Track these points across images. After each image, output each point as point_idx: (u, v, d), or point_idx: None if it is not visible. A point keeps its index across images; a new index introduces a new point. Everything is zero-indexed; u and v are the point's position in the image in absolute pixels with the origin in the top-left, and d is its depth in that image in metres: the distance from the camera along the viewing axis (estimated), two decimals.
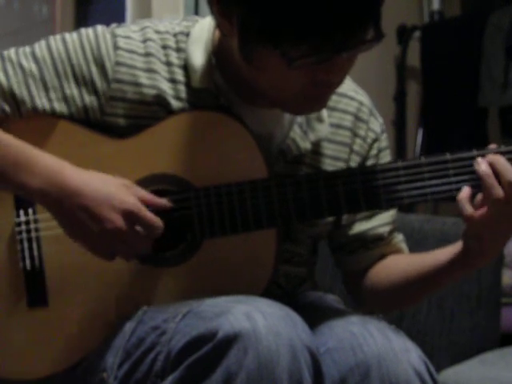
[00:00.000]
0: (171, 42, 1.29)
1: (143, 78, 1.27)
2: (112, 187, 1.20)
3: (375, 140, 1.39)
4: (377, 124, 1.40)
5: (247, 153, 1.26)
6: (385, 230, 1.40)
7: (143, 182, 1.26)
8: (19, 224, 1.29)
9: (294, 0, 1.08)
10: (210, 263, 1.28)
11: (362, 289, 1.41)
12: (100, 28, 1.29)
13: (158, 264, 1.28)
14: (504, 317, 2.00)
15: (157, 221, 1.21)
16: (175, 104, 1.28)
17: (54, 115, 1.28)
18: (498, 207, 1.18)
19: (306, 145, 1.33)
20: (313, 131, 1.34)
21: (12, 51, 1.29)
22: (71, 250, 1.26)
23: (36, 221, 1.29)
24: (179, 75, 1.29)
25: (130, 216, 1.19)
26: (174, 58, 1.29)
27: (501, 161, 1.20)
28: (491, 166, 1.20)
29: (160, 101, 1.28)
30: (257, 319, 1.08)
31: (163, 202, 1.24)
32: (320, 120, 1.34)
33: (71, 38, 1.29)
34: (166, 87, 1.28)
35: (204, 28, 1.30)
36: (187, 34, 1.30)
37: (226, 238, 1.26)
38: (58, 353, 1.29)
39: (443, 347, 1.87)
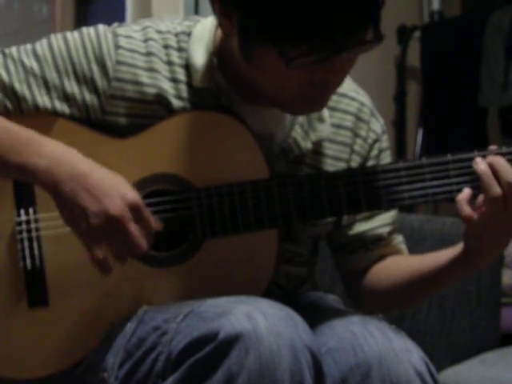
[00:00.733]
0: (172, 42, 1.29)
1: (144, 77, 1.27)
2: (119, 179, 1.20)
3: (376, 140, 1.39)
4: (378, 125, 1.40)
5: (248, 153, 1.26)
6: (384, 230, 1.40)
7: (144, 182, 1.26)
8: (20, 223, 1.29)
9: (296, 0, 1.08)
10: (210, 263, 1.28)
11: (360, 290, 1.41)
12: (101, 27, 1.29)
13: (158, 264, 1.28)
14: (504, 317, 2.00)
15: (157, 221, 1.20)
16: (176, 103, 1.28)
17: (54, 113, 1.28)
18: (496, 207, 1.18)
19: (307, 145, 1.33)
20: (314, 131, 1.34)
21: (13, 49, 1.29)
22: (72, 250, 1.26)
23: (37, 220, 1.29)
24: (180, 74, 1.29)
25: (134, 208, 1.17)
26: (175, 57, 1.29)
27: (500, 161, 1.20)
28: (490, 166, 1.20)
29: (161, 100, 1.28)
30: (258, 320, 1.08)
31: (157, 224, 1.21)
32: (321, 120, 1.34)
33: (72, 36, 1.29)
34: (167, 86, 1.28)
35: (205, 28, 1.30)
36: (189, 34, 1.30)
37: (227, 238, 1.26)
38: (58, 352, 1.29)
39: (443, 347, 1.87)
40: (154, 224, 1.19)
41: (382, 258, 1.41)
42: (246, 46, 1.17)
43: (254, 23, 1.12)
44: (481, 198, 1.20)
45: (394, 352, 1.15)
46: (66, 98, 1.28)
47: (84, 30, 1.29)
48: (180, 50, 1.29)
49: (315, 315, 1.26)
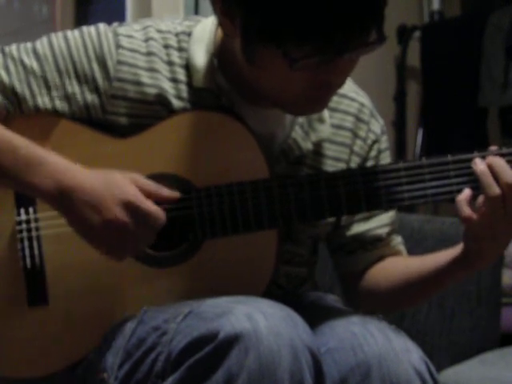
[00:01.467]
0: (173, 42, 1.29)
1: (145, 77, 1.27)
2: (113, 180, 1.19)
3: (375, 141, 1.39)
4: (377, 125, 1.40)
5: (248, 153, 1.26)
6: (383, 231, 1.40)
7: None
8: (20, 223, 1.29)
9: (296, 0, 1.08)
10: (210, 263, 1.28)
11: (358, 291, 1.41)
12: (102, 26, 1.29)
13: (158, 264, 1.28)
14: (504, 317, 2.00)
15: (158, 211, 1.19)
16: (176, 103, 1.28)
17: (55, 113, 1.28)
18: (495, 207, 1.18)
19: (307, 145, 1.33)
20: (314, 132, 1.34)
21: (13, 48, 1.29)
22: (72, 249, 1.26)
23: (36, 220, 1.29)
24: (181, 75, 1.29)
25: (129, 206, 1.17)
26: (175, 57, 1.29)
27: (499, 162, 1.20)
28: (489, 166, 1.20)
29: (161, 100, 1.28)
30: (258, 320, 1.08)
31: (167, 192, 1.22)
32: (321, 121, 1.34)
33: (73, 35, 1.28)
34: (168, 86, 1.28)
35: (206, 28, 1.30)
36: (189, 34, 1.30)
37: (226, 238, 1.26)
38: (58, 352, 1.29)
39: (443, 347, 1.87)
40: (155, 214, 1.19)
41: (380, 258, 1.41)
42: (248, 48, 1.17)
43: (257, 24, 1.12)
44: (480, 198, 1.20)
45: (393, 352, 1.15)
46: (67, 97, 1.28)
47: (84, 28, 1.29)
48: (180, 50, 1.29)
49: (315, 315, 1.26)
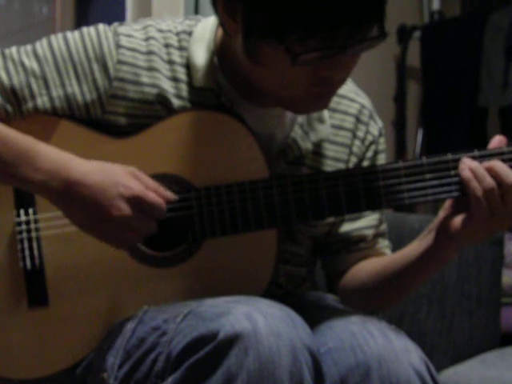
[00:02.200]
0: (173, 41, 1.29)
1: (144, 77, 1.27)
2: (116, 175, 1.20)
3: (372, 142, 1.39)
4: (376, 127, 1.41)
5: (248, 153, 1.26)
6: (369, 232, 1.40)
7: None
8: (19, 224, 1.29)
9: None
10: (210, 263, 1.28)
11: (338, 292, 1.42)
12: (102, 26, 1.29)
13: (158, 264, 1.28)
14: (504, 317, 2.00)
15: (161, 202, 1.20)
16: (176, 103, 1.28)
17: (55, 114, 1.28)
18: (481, 212, 1.19)
19: (306, 145, 1.33)
20: (314, 132, 1.34)
21: (13, 50, 1.29)
22: (71, 250, 1.26)
23: (36, 220, 1.29)
24: (181, 74, 1.29)
25: (136, 201, 1.18)
26: (176, 56, 1.29)
27: (499, 165, 1.20)
28: (488, 171, 1.20)
29: (161, 99, 1.28)
30: (257, 320, 1.08)
31: (167, 194, 1.23)
32: (321, 121, 1.34)
33: (73, 36, 1.29)
34: (168, 86, 1.28)
35: (207, 27, 1.30)
36: (190, 33, 1.30)
37: (226, 238, 1.26)
38: (57, 352, 1.29)
39: (443, 347, 1.87)
40: (158, 205, 1.19)
41: (363, 260, 1.41)
42: (250, 44, 1.17)
43: (258, 20, 1.12)
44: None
45: (393, 352, 1.14)
46: (67, 97, 1.28)
47: (84, 29, 1.29)
48: (181, 49, 1.29)
49: (315, 315, 1.26)
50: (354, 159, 1.38)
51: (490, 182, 1.19)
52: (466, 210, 1.21)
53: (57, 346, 1.29)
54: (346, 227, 1.39)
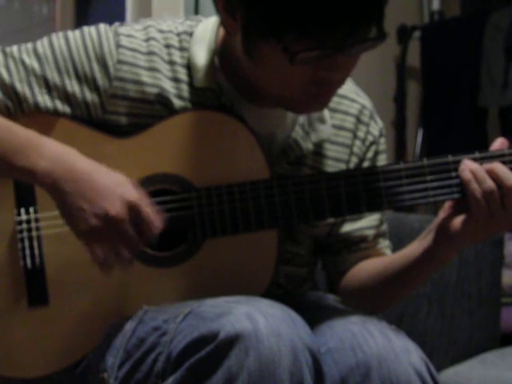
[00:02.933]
0: (174, 41, 1.29)
1: (145, 77, 1.27)
2: (121, 178, 1.19)
3: (373, 143, 1.40)
4: (376, 128, 1.41)
5: (249, 153, 1.27)
6: (370, 232, 1.40)
7: (145, 182, 1.26)
8: (20, 222, 1.29)
9: None
10: (211, 263, 1.28)
11: (339, 291, 1.42)
12: (102, 26, 1.29)
13: (159, 264, 1.28)
14: (504, 317, 2.00)
15: (157, 220, 1.19)
16: (177, 103, 1.28)
17: (55, 113, 1.28)
18: (481, 213, 1.19)
19: (307, 145, 1.33)
20: (315, 132, 1.34)
21: (14, 48, 1.29)
22: (72, 249, 1.26)
23: (37, 219, 1.29)
24: (182, 74, 1.29)
25: (134, 208, 1.17)
26: (177, 57, 1.29)
27: (500, 167, 1.20)
28: (489, 173, 1.20)
29: (162, 99, 1.28)
30: (258, 320, 1.08)
31: (158, 223, 1.19)
32: (322, 121, 1.34)
33: (73, 35, 1.29)
34: (169, 86, 1.28)
35: (208, 28, 1.30)
36: (190, 34, 1.30)
37: (227, 238, 1.26)
38: (58, 352, 1.29)
39: (443, 347, 1.88)
40: (154, 222, 1.18)
41: (364, 259, 1.41)
42: (249, 43, 1.17)
43: (257, 18, 1.12)
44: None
45: (393, 352, 1.14)
46: (67, 97, 1.28)
47: (85, 29, 1.29)
48: (182, 49, 1.29)
49: (315, 315, 1.26)
50: (354, 159, 1.38)
51: (490, 183, 1.19)
52: (466, 211, 1.21)
53: (57, 345, 1.29)
54: (347, 227, 1.39)
